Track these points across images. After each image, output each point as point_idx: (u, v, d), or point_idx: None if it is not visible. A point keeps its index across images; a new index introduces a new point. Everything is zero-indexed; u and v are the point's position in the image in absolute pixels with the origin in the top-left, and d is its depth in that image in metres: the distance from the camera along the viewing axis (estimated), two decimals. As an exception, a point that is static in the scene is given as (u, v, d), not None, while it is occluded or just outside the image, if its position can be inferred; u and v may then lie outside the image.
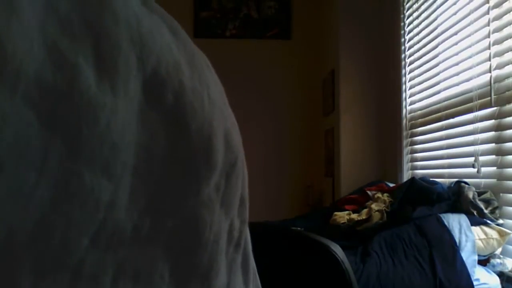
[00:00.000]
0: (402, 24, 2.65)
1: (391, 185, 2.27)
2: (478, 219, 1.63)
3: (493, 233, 1.59)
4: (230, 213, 0.30)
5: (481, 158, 1.75)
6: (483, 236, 1.58)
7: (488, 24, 1.73)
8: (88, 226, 0.17)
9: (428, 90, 2.30)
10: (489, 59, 1.71)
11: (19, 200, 0.15)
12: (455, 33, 1.99)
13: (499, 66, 1.66)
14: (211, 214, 0.26)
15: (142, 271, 0.21)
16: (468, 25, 1.87)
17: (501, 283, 1.52)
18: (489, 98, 1.70)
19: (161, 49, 0.21)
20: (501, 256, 1.61)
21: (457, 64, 1.99)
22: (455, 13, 2.01)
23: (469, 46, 1.86)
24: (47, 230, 0.16)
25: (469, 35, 1.87)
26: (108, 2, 0.19)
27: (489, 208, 1.65)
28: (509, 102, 1.60)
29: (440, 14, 2.16)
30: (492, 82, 1.69)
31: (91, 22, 0.18)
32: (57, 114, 0.16)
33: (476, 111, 1.78)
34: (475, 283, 1.46)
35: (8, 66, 0.14)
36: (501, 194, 1.68)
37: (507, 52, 1.62)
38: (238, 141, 0.31)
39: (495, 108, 1.68)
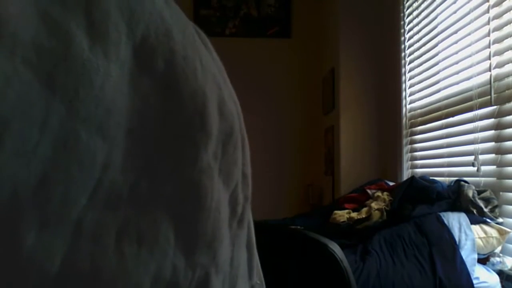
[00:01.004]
0: (402, 22, 2.65)
1: (391, 183, 2.27)
2: (477, 218, 1.63)
3: (492, 232, 1.59)
4: (230, 184, 0.31)
5: (481, 157, 1.75)
6: (482, 234, 1.58)
7: (488, 23, 1.73)
8: (86, 184, 0.18)
9: (428, 89, 2.30)
10: (489, 58, 1.71)
11: (24, 157, 0.15)
12: (455, 32, 1.99)
13: (499, 65, 1.66)
14: (210, 181, 0.26)
15: (146, 233, 0.22)
16: (468, 23, 1.87)
17: (501, 281, 1.53)
18: (489, 96, 1.70)
19: (151, 17, 0.22)
20: (501, 254, 1.62)
21: (457, 62, 1.99)
22: (455, 12, 2.01)
23: (469, 45, 1.86)
24: (48, 186, 0.17)
25: (469, 34, 1.86)
26: None
27: (489, 207, 1.65)
28: (509, 101, 1.60)
29: (440, 13, 2.16)
30: (492, 80, 1.69)
31: None
32: (55, 76, 0.16)
33: (476, 109, 1.78)
34: (474, 281, 1.46)
35: (4, 30, 0.15)
36: (500, 193, 1.68)
37: (507, 50, 1.62)
38: (234, 112, 0.32)
39: (495, 106, 1.68)
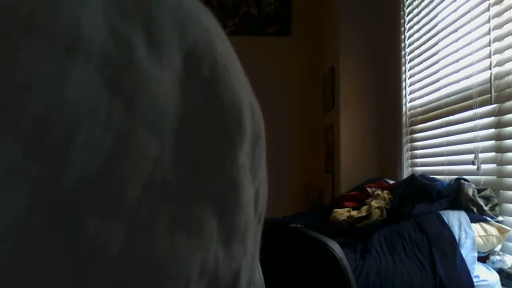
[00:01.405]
0: (402, 21, 2.65)
1: (391, 182, 2.27)
2: (477, 216, 1.63)
3: (492, 230, 1.59)
4: (255, 182, 0.34)
5: (481, 155, 1.75)
6: (482, 233, 1.58)
7: (488, 21, 1.73)
8: (140, 176, 0.21)
9: (428, 87, 2.30)
10: (489, 56, 1.71)
11: (89, 151, 0.18)
12: (455, 30, 1.99)
13: (499, 63, 1.66)
14: (245, 178, 0.29)
15: (194, 226, 0.24)
16: (468, 22, 1.87)
17: (501, 280, 1.53)
18: (489, 95, 1.70)
19: (198, 29, 0.25)
20: (501, 253, 1.62)
21: (457, 61, 1.99)
22: (455, 10, 2.01)
23: (469, 43, 1.86)
24: (108, 176, 0.19)
25: (469, 32, 1.86)
26: None
27: (489, 205, 1.65)
28: (509, 99, 1.60)
29: (441, 11, 2.16)
30: (492, 79, 1.69)
31: (140, 3, 0.22)
32: (118, 82, 0.20)
33: (476, 108, 1.77)
34: (474, 280, 1.46)
35: (82, 42, 0.18)
36: (500, 191, 1.68)
37: (508, 49, 1.62)
38: (260, 115, 0.35)
39: (495, 105, 1.68)
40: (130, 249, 0.20)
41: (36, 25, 0.17)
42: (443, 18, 2.13)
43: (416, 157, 2.50)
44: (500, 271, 1.56)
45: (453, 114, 2.00)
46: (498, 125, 1.67)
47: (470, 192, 1.68)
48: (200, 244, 0.25)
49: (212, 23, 0.28)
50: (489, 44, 1.72)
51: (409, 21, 2.58)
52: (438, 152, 2.18)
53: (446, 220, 1.61)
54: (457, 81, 1.98)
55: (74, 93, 0.18)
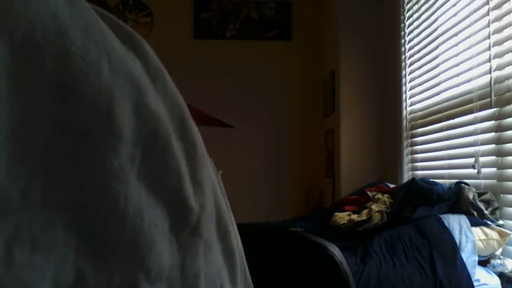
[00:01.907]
0: (402, 25, 2.66)
1: (391, 186, 2.27)
2: (478, 220, 1.63)
3: (493, 234, 1.59)
4: (162, 190, 0.30)
5: (481, 159, 1.75)
6: (483, 236, 1.58)
7: (488, 25, 1.73)
8: None
9: (428, 91, 2.30)
10: (489, 60, 1.71)
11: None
12: (455, 34, 2.00)
13: (499, 67, 1.66)
14: (124, 185, 0.26)
15: (41, 238, 0.21)
16: (468, 26, 1.87)
17: (501, 283, 1.52)
18: (489, 99, 1.70)
19: (37, 14, 0.21)
20: (501, 256, 1.61)
21: (457, 65, 1.99)
22: (455, 14, 2.01)
23: (469, 47, 1.86)
24: None
25: (469, 36, 1.87)
26: None
27: (489, 209, 1.65)
28: (509, 103, 1.60)
29: (441, 15, 2.17)
30: (492, 83, 1.69)
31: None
32: None
33: (476, 112, 1.78)
34: (475, 283, 1.46)
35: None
36: (501, 195, 1.68)
37: (507, 53, 1.62)
38: (162, 115, 0.30)
39: (495, 109, 1.68)
40: None
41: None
42: (443, 22, 2.13)
43: (416, 161, 2.50)
44: (500, 275, 1.56)
45: (453, 118, 2.00)
46: (498, 129, 1.67)
47: (471, 196, 1.68)
48: (49, 257, 0.22)
49: (71, 6, 0.23)
50: (489, 48, 1.72)
51: (409, 25, 2.59)
52: (438, 156, 2.18)
53: (446, 223, 1.61)
54: (457, 85, 1.98)
55: None
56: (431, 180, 1.94)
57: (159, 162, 0.29)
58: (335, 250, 1.32)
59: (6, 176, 0.19)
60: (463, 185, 1.75)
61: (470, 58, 1.86)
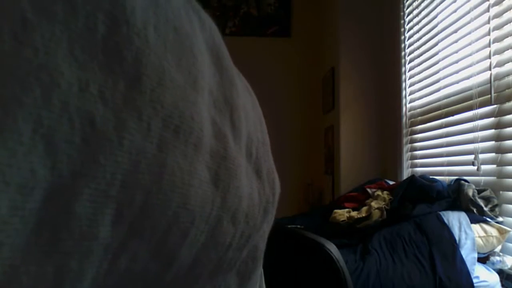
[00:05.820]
0: (402, 21, 2.65)
1: (391, 182, 2.27)
2: (477, 217, 1.63)
3: (492, 231, 1.59)
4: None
5: (481, 156, 1.75)
6: (482, 233, 1.58)
7: (488, 22, 1.73)
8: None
9: (428, 88, 2.30)
10: (489, 57, 1.71)
11: (193, 245, 0.21)
12: (455, 31, 1.99)
13: (499, 64, 1.66)
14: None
15: None
16: (468, 22, 1.87)
17: (501, 280, 1.53)
18: (489, 96, 1.70)
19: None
20: (501, 253, 1.61)
21: (457, 62, 1.99)
22: (455, 11, 2.01)
23: (469, 44, 1.86)
24: (196, 266, 0.22)
25: (469, 33, 1.86)
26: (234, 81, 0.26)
27: (489, 206, 1.65)
28: (509, 100, 1.59)
29: (440, 12, 2.16)
30: (492, 80, 1.69)
31: (228, 98, 0.24)
32: (219, 174, 0.22)
33: (476, 109, 1.77)
34: (474, 280, 1.46)
35: (193, 136, 0.20)
36: (500, 192, 1.68)
37: (507, 50, 1.62)
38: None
39: (495, 106, 1.68)
40: None
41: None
42: (443, 19, 2.13)
43: (416, 157, 2.50)
44: (500, 272, 1.56)
45: (453, 115, 2.00)
46: (498, 125, 1.67)
47: (470, 193, 1.68)
48: None
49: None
50: (489, 45, 1.72)
51: (409, 22, 2.58)
52: (438, 153, 2.18)
53: (446, 221, 1.61)
54: (457, 82, 1.98)
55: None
56: (430, 177, 1.94)
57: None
58: (332, 248, 1.32)
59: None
60: (462, 182, 1.75)
61: (470, 54, 1.85)
